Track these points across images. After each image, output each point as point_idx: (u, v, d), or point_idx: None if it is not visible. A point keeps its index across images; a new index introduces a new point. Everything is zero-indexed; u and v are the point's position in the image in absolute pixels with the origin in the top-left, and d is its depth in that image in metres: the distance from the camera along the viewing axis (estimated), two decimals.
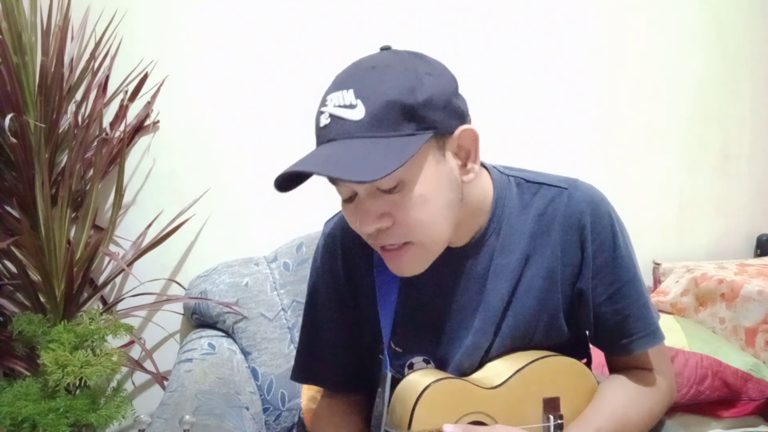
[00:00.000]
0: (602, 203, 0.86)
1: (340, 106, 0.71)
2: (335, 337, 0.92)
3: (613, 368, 0.93)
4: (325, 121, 0.72)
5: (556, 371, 0.85)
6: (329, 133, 0.71)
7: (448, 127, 0.75)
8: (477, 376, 0.85)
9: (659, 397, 0.88)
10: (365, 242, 0.87)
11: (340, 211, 0.94)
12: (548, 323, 0.86)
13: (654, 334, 0.86)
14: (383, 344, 0.85)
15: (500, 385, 0.82)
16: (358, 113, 0.70)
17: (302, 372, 0.95)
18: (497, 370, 0.84)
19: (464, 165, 0.78)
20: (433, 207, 0.75)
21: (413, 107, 0.71)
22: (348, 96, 0.71)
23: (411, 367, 0.88)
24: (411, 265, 0.78)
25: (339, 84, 0.73)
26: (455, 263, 0.85)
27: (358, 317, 0.91)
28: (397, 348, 0.88)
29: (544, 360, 0.84)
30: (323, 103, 0.73)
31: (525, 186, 0.87)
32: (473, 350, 0.85)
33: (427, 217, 0.75)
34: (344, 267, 0.91)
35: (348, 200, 0.77)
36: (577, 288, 0.85)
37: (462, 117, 0.76)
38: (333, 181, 0.74)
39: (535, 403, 0.83)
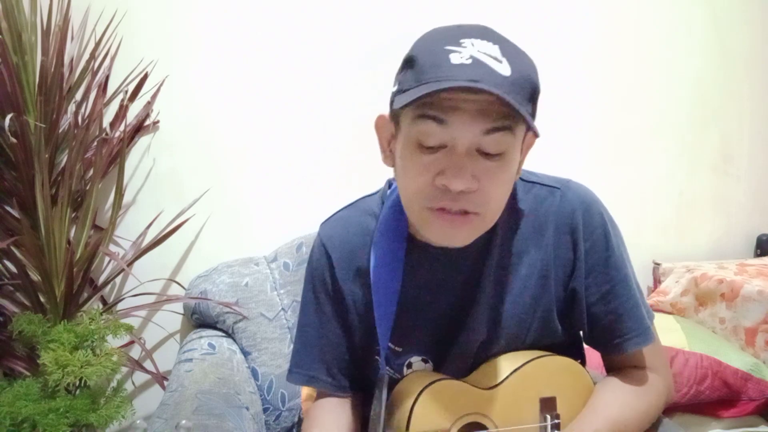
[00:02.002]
0: (594, 204, 0.86)
1: (487, 55, 0.68)
2: (330, 339, 0.91)
3: (609, 367, 0.93)
4: (464, 60, 0.67)
5: (552, 371, 0.85)
6: (472, 73, 0.66)
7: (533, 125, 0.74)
8: (474, 376, 0.86)
9: (655, 397, 0.88)
10: (363, 244, 0.87)
11: (336, 212, 0.94)
12: (542, 322, 0.86)
13: (645, 334, 0.86)
14: (380, 346, 0.85)
15: (497, 385, 0.82)
16: (505, 69, 0.67)
17: (297, 374, 0.93)
18: (494, 370, 0.84)
19: None
20: (509, 188, 0.76)
21: (537, 93, 0.71)
22: (494, 49, 0.69)
23: (410, 366, 0.88)
24: (467, 235, 0.76)
25: (480, 33, 0.70)
26: (455, 263, 0.84)
27: (353, 319, 0.90)
28: (396, 347, 0.88)
29: (541, 360, 0.84)
30: (455, 43, 0.69)
31: (519, 184, 0.86)
32: (466, 349, 0.85)
33: (504, 195, 0.76)
34: (339, 269, 0.89)
35: (429, 149, 0.72)
36: (570, 288, 0.85)
37: None
38: (438, 119, 0.69)
39: (532, 402, 0.83)
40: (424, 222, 0.76)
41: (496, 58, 0.68)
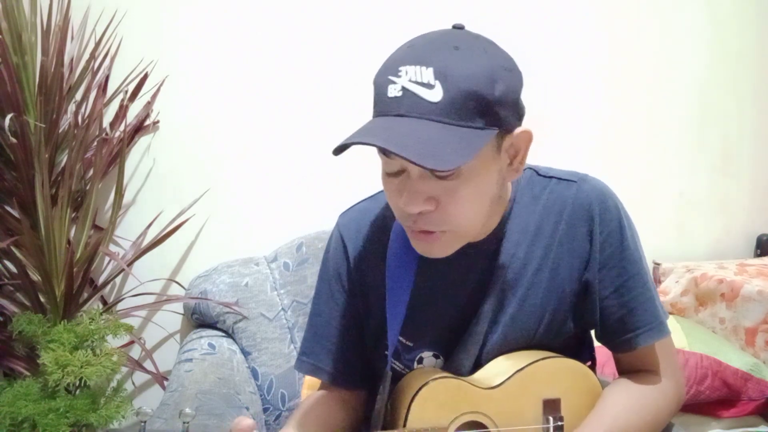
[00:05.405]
0: (610, 197, 0.87)
1: (416, 83, 0.69)
2: (340, 330, 0.91)
3: (620, 368, 0.92)
4: (396, 93, 0.70)
5: (557, 372, 0.84)
6: (400, 107, 0.69)
7: (511, 125, 0.74)
8: (476, 376, 0.85)
9: (665, 402, 0.87)
10: (380, 236, 0.88)
11: (356, 203, 0.95)
12: (552, 317, 0.85)
13: (658, 328, 0.86)
14: (388, 340, 0.85)
15: (499, 385, 0.81)
16: (435, 95, 0.68)
17: (304, 362, 0.93)
18: (497, 370, 0.84)
19: (511, 163, 0.78)
20: (478, 201, 0.76)
21: (489, 102, 0.70)
22: (427, 74, 0.69)
23: (420, 361, 0.88)
24: (441, 250, 0.78)
25: (417, 58, 0.70)
26: (470, 258, 0.84)
27: (365, 311, 0.90)
28: (407, 342, 0.88)
29: (545, 361, 0.83)
30: (395, 72, 0.70)
31: (536, 179, 0.88)
32: (475, 346, 0.85)
33: (470, 210, 0.75)
34: (354, 260, 0.90)
35: (394, 174, 0.75)
36: (584, 280, 0.85)
37: (521, 117, 0.77)
38: (386, 151, 0.71)
39: (535, 404, 0.82)
40: (409, 237, 0.80)
41: (427, 85, 0.68)
